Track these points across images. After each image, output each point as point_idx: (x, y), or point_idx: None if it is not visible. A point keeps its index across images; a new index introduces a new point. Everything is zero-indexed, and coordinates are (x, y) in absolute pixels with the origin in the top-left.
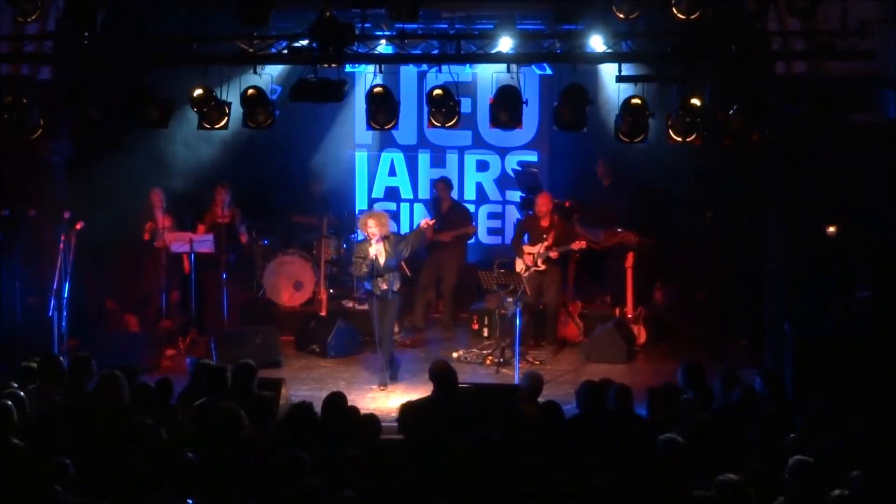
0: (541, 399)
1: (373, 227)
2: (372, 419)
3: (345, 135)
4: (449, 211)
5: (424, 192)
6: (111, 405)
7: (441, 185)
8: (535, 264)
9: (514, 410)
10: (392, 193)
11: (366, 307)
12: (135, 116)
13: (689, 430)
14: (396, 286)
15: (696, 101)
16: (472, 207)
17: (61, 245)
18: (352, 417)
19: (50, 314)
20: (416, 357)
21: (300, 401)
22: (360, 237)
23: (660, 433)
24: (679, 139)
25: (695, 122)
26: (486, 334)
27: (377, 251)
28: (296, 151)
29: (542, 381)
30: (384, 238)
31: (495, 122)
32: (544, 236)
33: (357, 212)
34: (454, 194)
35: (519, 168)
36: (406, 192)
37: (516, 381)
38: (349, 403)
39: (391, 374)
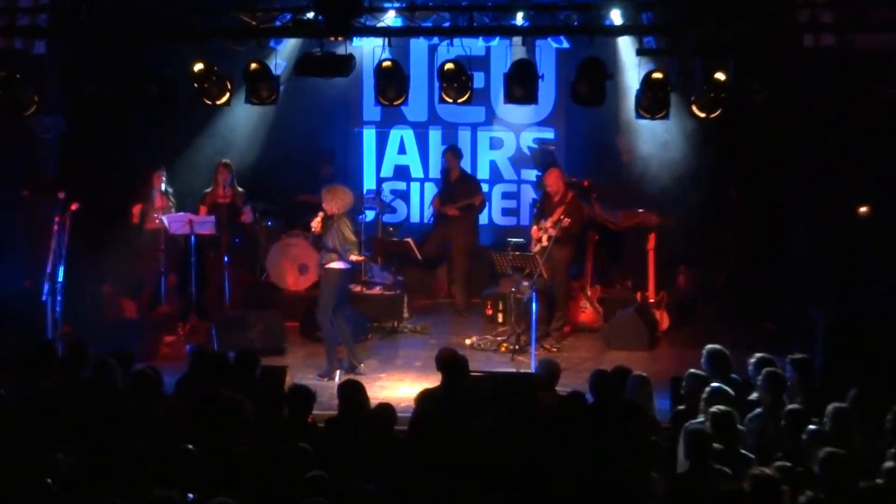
0: (559, 388)
1: (325, 202)
2: (386, 410)
3: (352, 111)
4: (458, 181)
5: (435, 170)
6: (106, 393)
7: (450, 153)
8: (540, 241)
9: (530, 399)
10: (402, 172)
11: (375, 291)
12: (133, 95)
13: (717, 421)
14: (332, 264)
15: (719, 75)
16: (485, 187)
17: (55, 227)
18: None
19: (44, 299)
20: (427, 344)
21: (298, 384)
22: (370, 217)
23: (685, 422)
24: (702, 115)
25: (718, 97)
26: (500, 320)
27: (317, 224)
28: (301, 129)
29: (559, 368)
30: (333, 216)
31: (510, 97)
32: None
33: (365, 191)
34: (467, 166)
35: (535, 145)
36: (416, 171)
37: (532, 369)
38: None
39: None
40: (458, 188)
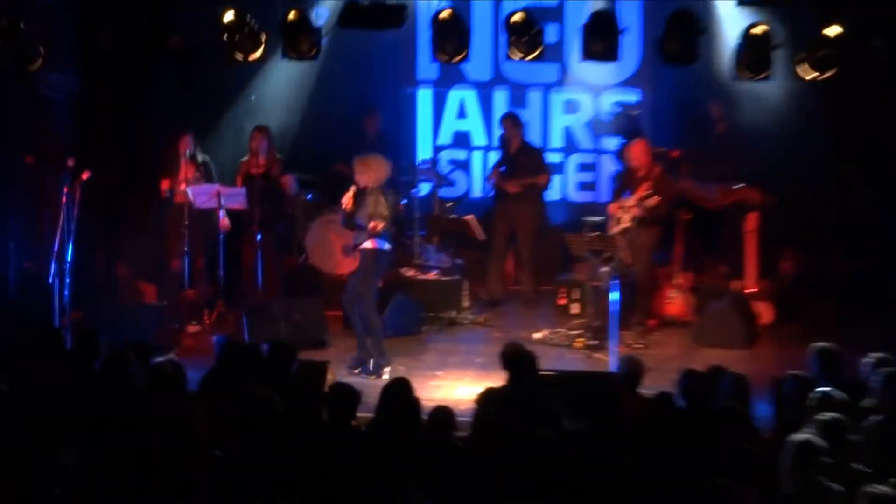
0: (643, 390)
1: (355, 174)
2: (443, 414)
3: (405, 69)
4: (518, 153)
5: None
6: (121, 390)
7: (508, 121)
8: (620, 221)
9: (610, 403)
10: (461, 139)
11: (430, 276)
12: (155, 49)
13: (827, 430)
14: (365, 243)
15: (833, 30)
16: (558, 157)
17: (64, 199)
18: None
19: (50, 281)
20: (490, 337)
21: (341, 382)
22: (424, 190)
23: (789, 432)
24: (812, 76)
25: (831, 55)
26: (575, 311)
27: (346, 199)
28: (345, 89)
29: (644, 367)
30: (367, 189)
31: (588, 54)
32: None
33: (419, 161)
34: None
35: (616, 110)
36: (479, 138)
37: (612, 367)
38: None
39: (366, 360)
40: (520, 161)
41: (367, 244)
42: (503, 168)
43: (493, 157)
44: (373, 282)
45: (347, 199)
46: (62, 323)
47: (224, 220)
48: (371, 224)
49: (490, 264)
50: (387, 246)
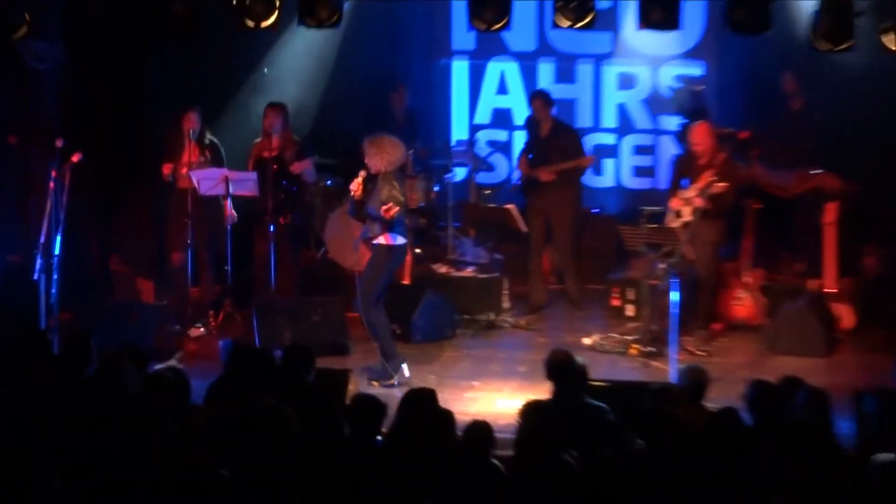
0: (707, 403)
1: (364, 157)
2: (480, 430)
3: (438, 38)
4: (550, 136)
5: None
6: (115, 401)
7: (538, 100)
8: (680, 214)
9: (669, 417)
10: (502, 118)
11: (465, 273)
12: (154, 14)
13: None
14: (377, 237)
15: None
16: (612, 138)
17: (51, 184)
18: (444, 424)
19: (36, 277)
20: (533, 343)
21: (364, 393)
22: (460, 175)
23: (874, 452)
24: None
25: None
26: (630, 313)
27: (355, 186)
28: (371, 61)
29: (708, 378)
30: (379, 175)
31: (645, 21)
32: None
33: (454, 142)
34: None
35: (678, 85)
36: (521, 116)
37: (672, 377)
38: (441, 406)
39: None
40: (553, 145)
41: (381, 239)
42: (530, 155)
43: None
44: (380, 279)
45: (356, 186)
46: (49, 325)
47: (230, 211)
48: (384, 207)
49: (530, 263)
50: (401, 240)
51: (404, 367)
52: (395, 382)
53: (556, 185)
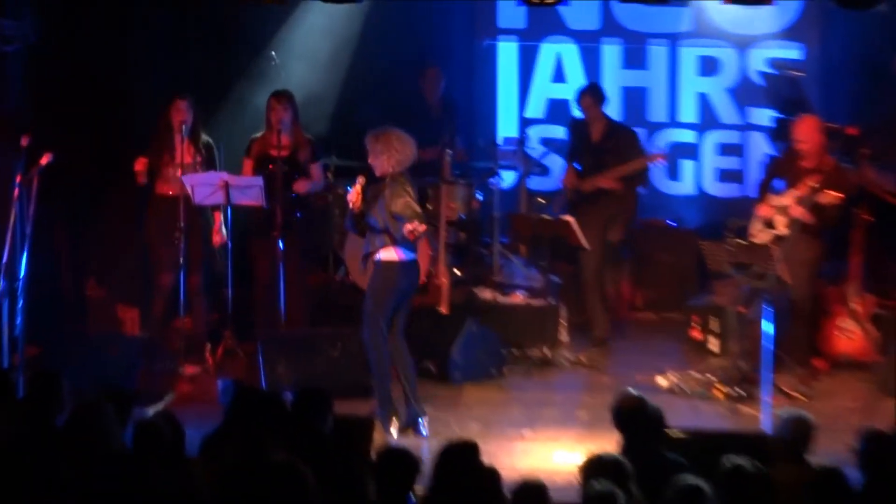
0: (810, 458)
1: (368, 156)
2: (534, 490)
3: (481, 14)
4: (605, 138)
5: (614, 110)
6: (93, 453)
7: (588, 98)
8: (771, 225)
9: (763, 476)
10: (558, 111)
11: (515, 299)
12: None
13: None
14: (385, 253)
15: None
16: (691, 136)
17: (16, 191)
18: (489, 484)
19: None
20: (597, 384)
21: (393, 446)
22: (508, 181)
23: None
24: None
25: None
26: (714, 348)
27: (353, 194)
28: (401, 41)
29: (811, 426)
30: (384, 178)
31: None
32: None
33: (501, 140)
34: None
35: (772, 71)
36: None
37: (765, 426)
38: (486, 460)
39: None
40: (608, 147)
41: (385, 253)
42: (578, 165)
43: None
44: (385, 303)
45: (355, 196)
46: (12, 362)
47: (219, 232)
48: (408, 227)
49: (585, 289)
50: (412, 255)
51: (421, 422)
52: (426, 428)
53: (610, 195)
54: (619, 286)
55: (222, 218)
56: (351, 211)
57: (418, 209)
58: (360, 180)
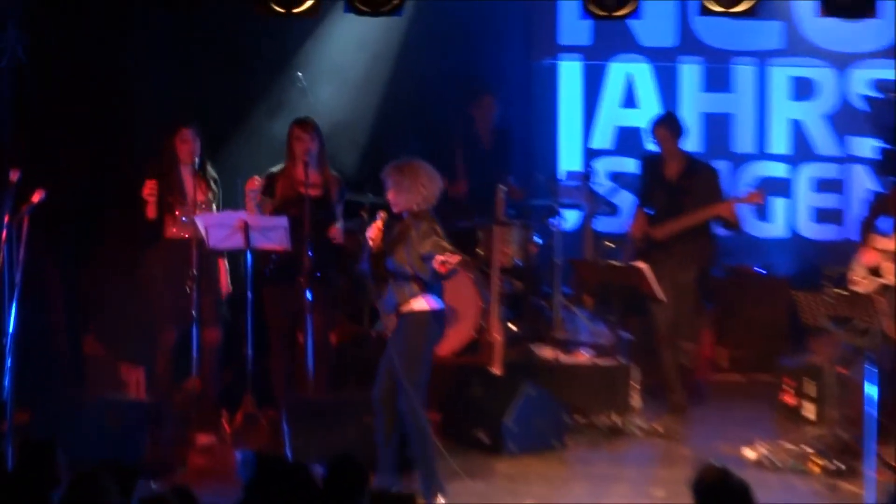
0: None
1: (389, 192)
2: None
3: (540, 30)
4: (683, 176)
5: (694, 139)
6: None
7: (663, 129)
8: (877, 273)
9: None
10: (629, 141)
11: (579, 359)
12: None
13: None
14: (416, 303)
15: None
16: (782, 169)
17: (3, 233)
18: None
19: None
20: (674, 457)
21: None
22: (571, 221)
23: None
24: None
25: None
26: (809, 414)
27: (373, 233)
28: (446, 61)
29: None
30: (409, 215)
31: (829, 7)
32: None
33: (564, 174)
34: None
35: (876, 94)
36: None
37: None
38: None
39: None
40: (686, 187)
41: (419, 304)
42: (656, 210)
43: None
44: (425, 361)
45: (376, 229)
46: (1, 430)
47: (226, 279)
48: (439, 258)
49: (659, 347)
50: (442, 304)
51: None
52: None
53: (685, 240)
54: (700, 343)
55: (227, 268)
56: (369, 251)
57: (447, 245)
58: (382, 215)
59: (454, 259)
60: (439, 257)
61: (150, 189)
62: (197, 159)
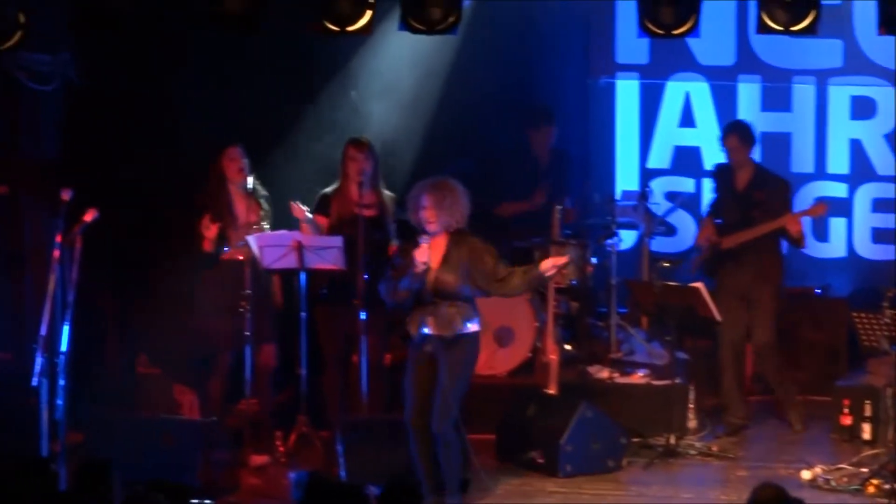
0: None
1: (426, 210)
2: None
3: (596, 48)
4: (752, 186)
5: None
6: None
7: (734, 137)
8: None
9: None
10: (688, 160)
11: (636, 379)
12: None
13: None
14: (466, 326)
15: None
16: (842, 189)
17: (56, 252)
18: None
19: (35, 383)
20: (731, 478)
21: None
22: (627, 242)
23: None
24: None
25: None
26: (867, 435)
27: (426, 255)
28: (500, 81)
29: None
30: (451, 234)
31: (889, 25)
32: None
33: (620, 195)
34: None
35: None
36: (715, 158)
37: None
38: None
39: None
40: (756, 198)
41: (475, 325)
42: (719, 219)
43: None
44: (466, 383)
45: (427, 251)
46: (53, 450)
47: (278, 296)
48: (548, 264)
49: (721, 365)
50: (478, 326)
51: None
52: None
53: (755, 254)
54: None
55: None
56: (411, 271)
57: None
58: (428, 240)
59: (562, 260)
60: (547, 263)
61: (213, 232)
62: (247, 178)
